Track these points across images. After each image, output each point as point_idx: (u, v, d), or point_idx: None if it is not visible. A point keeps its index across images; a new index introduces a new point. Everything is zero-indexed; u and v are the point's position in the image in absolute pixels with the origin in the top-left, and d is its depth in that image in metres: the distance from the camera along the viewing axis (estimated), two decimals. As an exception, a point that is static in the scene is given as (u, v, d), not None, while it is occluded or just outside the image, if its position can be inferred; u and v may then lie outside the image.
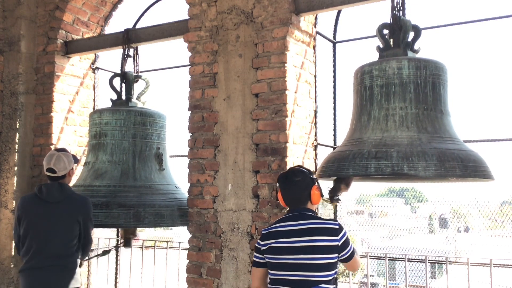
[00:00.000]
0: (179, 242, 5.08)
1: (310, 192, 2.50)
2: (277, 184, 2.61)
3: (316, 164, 3.79)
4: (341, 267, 2.88)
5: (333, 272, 2.39)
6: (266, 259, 2.48)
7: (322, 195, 2.56)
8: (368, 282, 4.22)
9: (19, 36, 4.81)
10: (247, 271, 3.49)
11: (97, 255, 4.31)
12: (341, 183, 3.01)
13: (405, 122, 2.74)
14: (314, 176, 2.58)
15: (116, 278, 5.32)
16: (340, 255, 2.40)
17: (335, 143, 4.04)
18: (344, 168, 2.71)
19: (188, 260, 3.78)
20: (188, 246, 3.81)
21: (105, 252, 4.28)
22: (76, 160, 3.41)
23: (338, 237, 2.38)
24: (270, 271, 2.48)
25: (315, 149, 3.83)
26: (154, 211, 3.74)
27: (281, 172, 3.40)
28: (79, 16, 4.92)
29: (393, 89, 2.80)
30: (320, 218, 2.48)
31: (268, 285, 2.49)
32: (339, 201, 3.05)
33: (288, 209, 2.55)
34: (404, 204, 36.30)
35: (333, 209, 3.15)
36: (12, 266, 4.56)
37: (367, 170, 2.64)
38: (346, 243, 2.41)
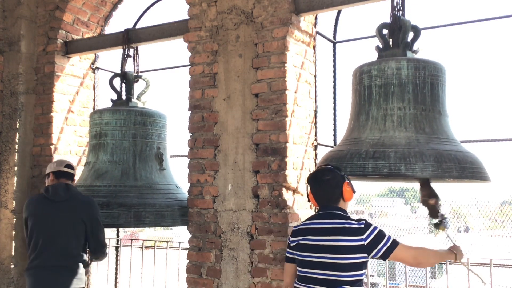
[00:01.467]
0: (179, 242, 5.08)
1: (341, 189, 2.50)
2: (307, 184, 2.62)
3: (316, 164, 3.79)
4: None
5: (358, 273, 2.38)
6: (295, 256, 2.54)
7: (354, 191, 2.54)
8: (368, 282, 4.21)
9: (19, 36, 4.81)
10: (247, 271, 3.50)
11: None
12: (427, 198, 2.82)
13: (403, 122, 2.74)
14: (343, 173, 2.58)
15: (116, 278, 5.32)
16: (371, 255, 2.38)
17: (335, 143, 4.04)
18: (341, 167, 2.72)
19: (188, 260, 3.78)
20: (188, 246, 3.81)
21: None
22: None
23: (364, 237, 2.37)
24: (298, 268, 2.53)
25: (315, 149, 3.83)
26: (154, 211, 3.75)
27: (281, 172, 3.42)
28: (79, 16, 4.92)
29: (391, 89, 2.81)
30: (348, 218, 2.47)
31: (296, 281, 2.52)
32: (444, 218, 2.85)
33: (318, 208, 2.58)
34: (404, 204, 36.24)
35: (445, 233, 2.89)
36: (12, 266, 4.56)
37: (364, 170, 2.65)
38: (377, 240, 2.38)
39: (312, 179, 2.59)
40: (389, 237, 2.41)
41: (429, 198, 2.83)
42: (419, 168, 2.55)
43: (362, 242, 2.37)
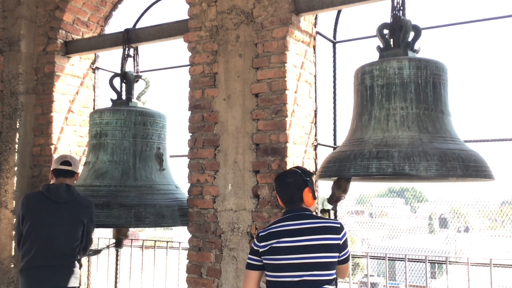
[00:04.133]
0: (179, 242, 5.08)
1: (302, 194, 2.48)
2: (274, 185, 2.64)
3: (316, 164, 3.79)
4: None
5: (334, 272, 2.38)
6: (265, 261, 2.42)
7: (315, 197, 2.51)
8: (368, 282, 4.21)
9: (19, 36, 4.81)
10: (247, 271, 3.49)
11: (89, 254, 4.24)
12: (337, 189, 2.99)
13: (406, 122, 2.74)
14: (312, 178, 2.56)
15: (116, 278, 5.31)
16: (340, 255, 2.39)
17: (335, 143, 4.04)
18: (345, 168, 2.71)
19: (188, 260, 3.78)
20: (188, 246, 3.81)
21: (96, 252, 4.21)
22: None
23: (340, 236, 2.38)
24: (268, 273, 2.42)
25: (315, 149, 3.83)
26: (155, 211, 3.75)
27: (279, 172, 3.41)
28: (79, 16, 4.92)
29: (393, 89, 2.80)
30: (321, 218, 2.48)
31: None
32: (335, 210, 3.05)
33: (285, 209, 2.55)
34: (404, 204, 36.30)
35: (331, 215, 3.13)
36: (12, 266, 4.56)
37: (368, 170, 2.64)
38: (346, 243, 2.42)
39: (278, 180, 2.58)
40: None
41: (344, 193, 2.98)
42: (423, 168, 2.55)
43: (339, 241, 2.38)
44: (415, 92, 2.77)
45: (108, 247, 4.45)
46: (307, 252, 2.35)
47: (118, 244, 4.20)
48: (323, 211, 3.05)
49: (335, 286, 2.42)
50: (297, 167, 2.64)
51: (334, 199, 3.02)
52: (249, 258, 2.49)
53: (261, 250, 2.43)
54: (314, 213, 2.53)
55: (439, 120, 2.77)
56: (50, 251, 3.22)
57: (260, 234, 2.47)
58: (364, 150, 2.71)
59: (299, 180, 2.50)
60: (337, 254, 2.38)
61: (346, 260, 2.44)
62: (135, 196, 3.76)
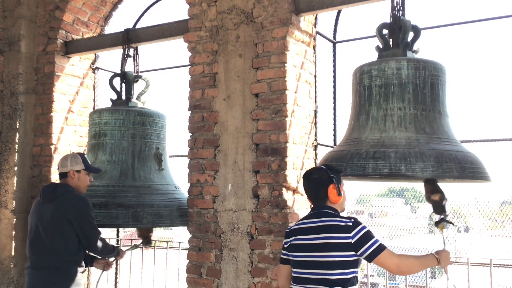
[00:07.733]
0: (179, 242, 5.08)
1: (327, 190, 2.50)
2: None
3: (316, 164, 3.79)
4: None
5: (349, 271, 2.36)
6: (289, 257, 2.55)
7: (339, 194, 2.52)
8: (368, 282, 4.21)
9: (19, 36, 4.81)
10: (247, 271, 3.50)
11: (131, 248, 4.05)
12: (431, 195, 2.78)
13: (404, 122, 2.74)
14: (339, 175, 2.58)
15: (116, 278, 5.31)
16: (358, 253, 2.37)
17: (335, 143, 4.04)
18: (342, 168, 2.72)
19: (188, 260, 3.78)
20: (188, 246, 3.81)
21: (135, 246, 4.05)
22: (86, 166, 3.41)
23: (351, 234, 2.35)
24: (292, 269, 2.54)
25: (315, 149, 3.83)
26: (153, 211, 3.74)
27: (281, 172, 3.42)
28: (79, 16, 4.92)
29: (391, 89, 2.81)
30: (336, 216, 2.47)
31: (292, 282, 2.53)
32: (447, 215, 2.81)
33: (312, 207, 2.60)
34: (404, 204, 36.24)
35: (442, 234, 2.85)
36: (12, 266, 4.56)
37: (364, 170, 2.65)
38: (363, 240, 2.35)
39: (304, 177, 2.63)
40: (377, 240, 2.38)
41: (432, 194, 2.80)
42: (419, 168, 2.55)
43: (350, 240, 2.35)
44: (413, 92, 2.77)
45: (136, 246, 4.20)
46: (317, 251, 2.39)
47: (148, 243, 4.00)
48: (437, 223, 2.84)
49: (353, 286, 2.38)
50: (325, 164, 2.68)
51: (436, 207, 2.81)
52: (281, 253, 2.64)
53: (285, 246, 2.57)
54: (336, 212, 2.53)
55: (437, 121, 2.78)
56: (38, 251, 3.20)
57: (286, 231, 2.59)
58: (361, 150, 2.72)
59: (324, 176, 2.53)
60: (351, 253, 2.35)
61: (372, 256, 2.35)
62: (133, 196, 3.75)
